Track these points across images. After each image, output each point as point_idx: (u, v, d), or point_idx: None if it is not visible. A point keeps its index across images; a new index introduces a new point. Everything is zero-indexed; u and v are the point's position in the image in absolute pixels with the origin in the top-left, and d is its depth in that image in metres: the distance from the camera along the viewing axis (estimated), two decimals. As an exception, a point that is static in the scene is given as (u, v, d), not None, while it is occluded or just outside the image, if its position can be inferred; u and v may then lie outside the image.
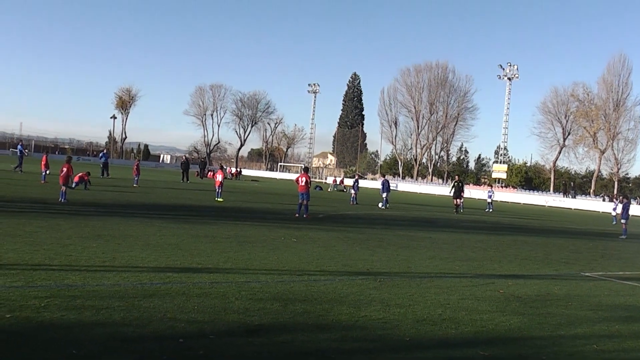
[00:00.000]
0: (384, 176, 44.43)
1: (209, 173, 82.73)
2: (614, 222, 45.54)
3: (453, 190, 43.47)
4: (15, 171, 45.20)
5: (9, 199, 24.47)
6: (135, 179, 42.92)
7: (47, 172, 36.89)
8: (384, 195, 41.12)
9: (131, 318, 8.11)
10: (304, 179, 28.40)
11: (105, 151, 61.23)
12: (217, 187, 35.62)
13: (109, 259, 12.52)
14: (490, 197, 53.69)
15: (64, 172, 25.83)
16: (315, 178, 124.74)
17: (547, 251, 21.72)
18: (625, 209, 31.68)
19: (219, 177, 35.95)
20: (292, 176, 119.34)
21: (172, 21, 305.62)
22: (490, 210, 50.81)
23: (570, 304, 11.74)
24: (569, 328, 9.84)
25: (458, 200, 42.45)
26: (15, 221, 17.43)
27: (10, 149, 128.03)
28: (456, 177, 46.33)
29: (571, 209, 75.12)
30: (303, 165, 44.46)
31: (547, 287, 13.63)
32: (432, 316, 9.69)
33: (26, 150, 39.96)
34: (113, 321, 7.93)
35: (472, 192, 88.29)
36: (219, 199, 34.48)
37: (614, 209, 47.82)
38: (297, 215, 27.53)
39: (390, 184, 45.18)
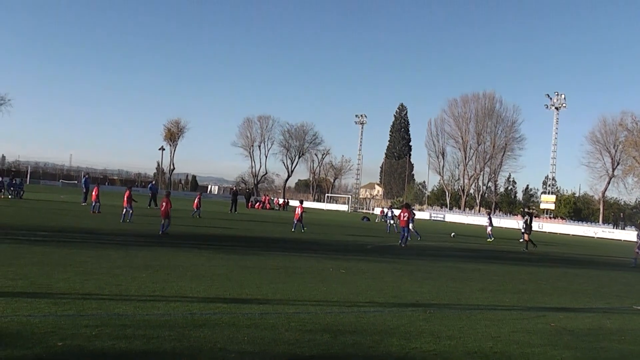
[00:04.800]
0: (408, 206, 43.23)
1: (257, 204, 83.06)
2: None
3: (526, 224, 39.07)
4: (87, 204, 45.74)
5: (59, 229, 24.80)
6: (195, 210, 43.87)
7: (98, 203, 37.37)
8: (411, 226, 39.71)
9: (181, 348, 8.12)
10: (406, 214, 32.14)
11: (153, 182, 61.75)
12: (295, 220, 36.97)
13: (158, 288, 12.59)
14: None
15: (163, 206, 26.64)
16: (362, 209, 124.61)
17: (598, 284, 21.35)
18: None
19: (298, 211, 37.03)
20: (340, 207, 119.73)
21: (220, 53, 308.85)
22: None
23: (624, 339, 11.48)
24: (622, 363, 9.66)
25: (527, 235, 38.41)
26: (66, 251, 17.67)
27: (61, 180, 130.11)
28: (526, 209, 44.42)
29: (621, 240, 73.87)
30: (404, 202, 46.30)
31: (599, 321, 13.36)
32: (483, 349, 9.55)
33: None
34: (163, 351, 7.95)
35: (520, 222, 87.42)
36: (304, 229, 36.13)
37: None
38: (402, 245, 31.15)
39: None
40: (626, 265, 30.26)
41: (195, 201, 45.02)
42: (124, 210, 32.03)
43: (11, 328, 8.51)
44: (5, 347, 7.59)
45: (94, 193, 37.85)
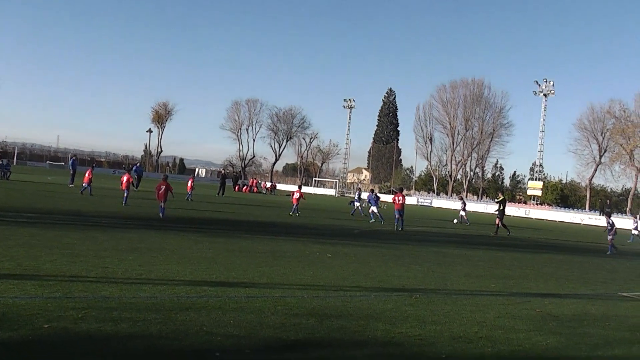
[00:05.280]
0: (372, 191, 43.21)
1: (245, 187, 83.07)
2: (630, 240, 44.76)
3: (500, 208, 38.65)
4: (74, 186, 46.14)
5: (46, 211, 24.74)
6: (189, 194, 44.68)
7: (89, 186, 37.47)
8: (374, 209, 38.85)
9: (167, 331, 8.15)
10: (400, 198, 33.73)
11: (138, 164, 61.60)
12: (294, 204, 37.90)
13: (145, 271, 12.59)
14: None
15: (162, 189, 26.89)
16: (350, 194, 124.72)
17: (584, 270, 21.45)
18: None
19: (296, 195, 38.19)
20: (327, 191, 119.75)
21: (208, 36, 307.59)
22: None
23: (608, 325, 11.55)
24: (606, 349, 9.71)
25: (499, 219, 38.17)
26: (53, 233, 17.64)
27: (48, 162, 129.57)
28: (500, 194, 44.72)
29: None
30: (399, 186, 47.75)
31: (584, 307, 13.44)
32: (468, 334, 9.61)
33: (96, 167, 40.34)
34: (150, 334, 7.97)
35: (506, 209, 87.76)
36: (295, 214, 37.26)
37: (635, 228, 46.98)
38: (400, 230, 32.44)
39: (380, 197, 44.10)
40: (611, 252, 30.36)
41: (189, 184, 45.56)
42: (84, 185, 32.40)
43: (-3, 310, 8.51)
44: (-9, 328, 7.60)
45: (87, 175, 38.00)
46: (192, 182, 46.46)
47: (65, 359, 6.84)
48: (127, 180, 32.47)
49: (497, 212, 38.20)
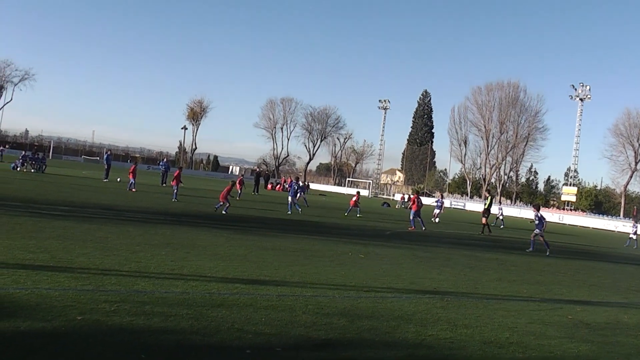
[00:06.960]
0: (297, 179, 42.94)
1: (277, 186, 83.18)
2: (626, 244, 44.19)
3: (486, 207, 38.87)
4: (108, 181, 47.05)
5: (80, 205, 24.93)
6: (239, 192, 45.88)
7: (133, 181, 38.32)
8: (290, 199, 36.06)
9: (199, 327, 8.17)
10: (417, 201, 34.42)
11: (165, 160, 61.77)
12: (351, 206, 39.93)
13: (177, 267, 12.66)
14: (501, 213, 52.64)
15: (226, 190, 29.37)
16: (383, 195, 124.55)
17: (617, 278, 21.22)
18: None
19: (354, 198, 40.15)
20: (360, 192, 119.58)
21: (245, 35, 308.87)
22: (502, 227, 48.91)
23: (641, 334, 11.43)
24: (638, 359, 9.60)
25: (485, 219, 38.19)
26: (87, 226, 17.79)
27: (83, 156, 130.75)
28: (486, 193, 44.31)
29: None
30: (414, 190, 49.47)
31: (616, 315, 13.29)
32: (499, 339, 9.54)
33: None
34: (181, 329, 8.00)
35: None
36: (356, 215, 39.82)
37: (634, 232, 45.89)
38: (423, 228, 33.60)
39: (302, 187, 43.68)
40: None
41: (237, 183, 46.61)
42: (130, 181, 33.11)
43: (31, 300, 8.59)
44: (25, 319, 7.67)
45: (130, 171, 39.75)
46: (240, 181, 47.91)
47: (98, 350, 6.88)
48: (177, 176, 33.21)
49: (484, 211, 38.17)
